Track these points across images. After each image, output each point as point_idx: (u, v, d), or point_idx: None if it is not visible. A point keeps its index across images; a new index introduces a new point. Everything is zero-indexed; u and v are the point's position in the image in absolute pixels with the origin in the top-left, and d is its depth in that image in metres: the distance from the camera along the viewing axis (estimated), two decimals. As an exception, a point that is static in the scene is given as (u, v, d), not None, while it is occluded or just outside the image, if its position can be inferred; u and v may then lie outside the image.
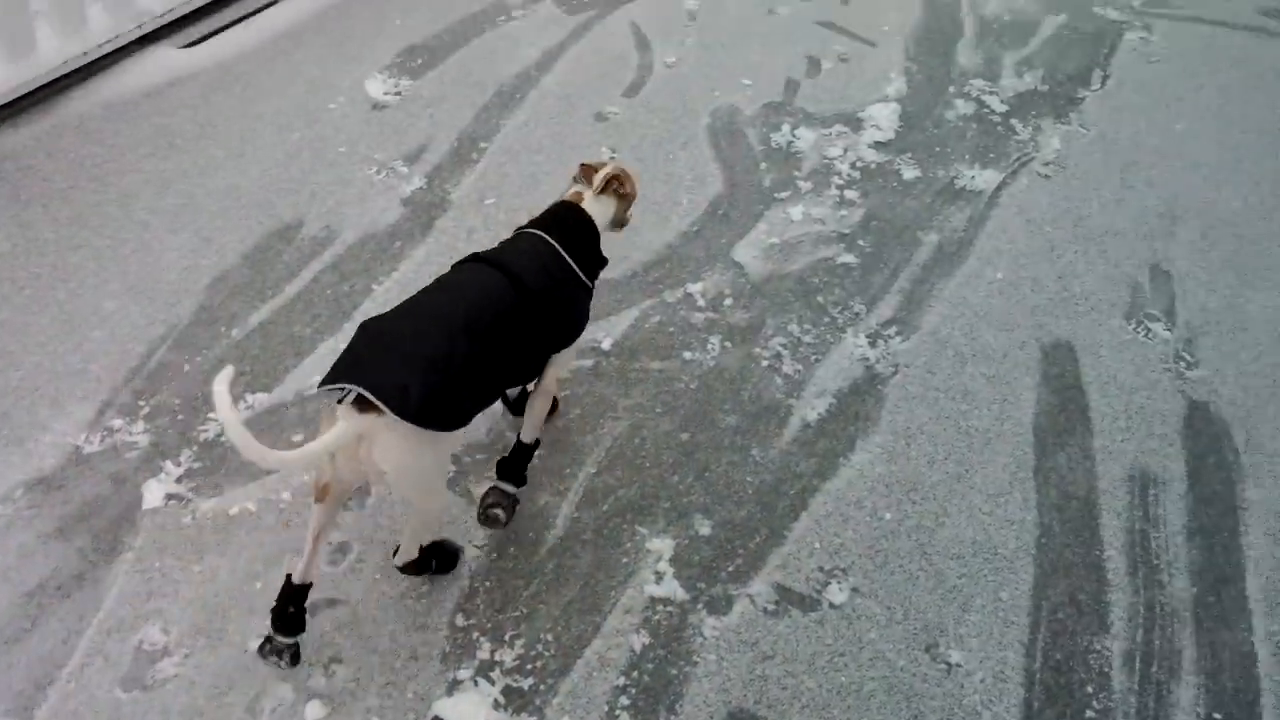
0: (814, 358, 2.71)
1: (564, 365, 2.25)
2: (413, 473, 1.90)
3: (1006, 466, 2.51)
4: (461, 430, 1.90)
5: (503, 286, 2.01)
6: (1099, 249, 3.08)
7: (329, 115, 3.24)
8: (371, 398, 1.78)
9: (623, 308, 2.78)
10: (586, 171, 2.29)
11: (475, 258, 2.10)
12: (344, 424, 1.80)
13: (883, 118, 3.45)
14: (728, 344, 2.72)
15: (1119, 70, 3.78)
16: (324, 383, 1.85)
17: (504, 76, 3.47)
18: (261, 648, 2.02)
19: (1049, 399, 2.67)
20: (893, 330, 2.80)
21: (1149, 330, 2.87)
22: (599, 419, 2.51)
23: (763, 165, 3.25)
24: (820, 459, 2.49)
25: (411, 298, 2.01)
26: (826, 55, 3.70)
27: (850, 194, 3.18)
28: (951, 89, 3.61)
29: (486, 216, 2.98)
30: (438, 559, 2.17)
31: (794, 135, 3.36)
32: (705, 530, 2.31)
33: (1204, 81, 3.76)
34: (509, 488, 2.27)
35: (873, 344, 2.76)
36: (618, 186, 2.28)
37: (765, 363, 2.69)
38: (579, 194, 2.26)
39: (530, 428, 2.27)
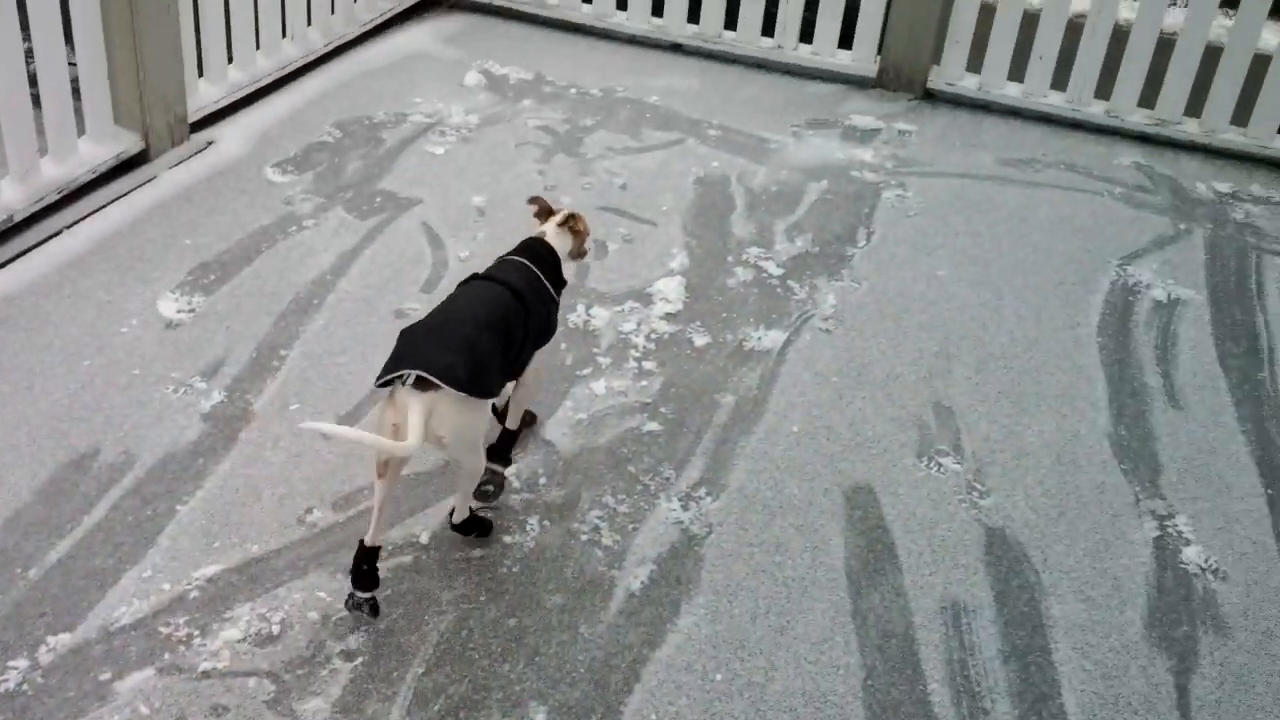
0: (631, 527, 2.77)
1: (539, 362, 2.83)
2: (464, 434, 2.46)
3: (825, 612, 2.59)
4: (490, 402, 2.55)
5: (506, 296, 2.62)
6: (884, 393, 3.27)
7: (121, 339, 3.20)
8: (430, 377, 2.33)
9: (439, 498, 2.79)
10: (540, 204, 2.96)
11: (476, 276, 2.72)
12: (416, 403, 2.32)
13: (670, 290, 3.62)
14: (546, 523, 2.76)
15: (881, 227, 4.07)
16: (382, 376, 2.38)
17: (300, 284, 3.50)
18: (346, 603, 2.48)
19: (856, 541, 2.79)
20: (703, 491, 2.89)
21: (940, 465, 3.04)
22: (423, 615, 2.49)
23: (563, 345, 3.35)
24: (648, 628, 2.52)
25: (439, 305, 2.61)
26: (612, 238, 3.87)
27: (648, 365, 3.31)
28: (730, 258, 3.82)
29: (291, 422, 2.97)
30: (478, 528, 2.71)
31: (589, 314, 3.48)
32: (540, 717, 2.30)
33: (958, 229, 4.09)
34: (498, 468, 2.87)
35: (685, 507, 2.84)
36: (573, 224, 2.90)
37: (585, 537, 2.73)
38: (542, 231, 2.86)
39: (514, 416, 2.92)
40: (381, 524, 2.45)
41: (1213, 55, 4.66)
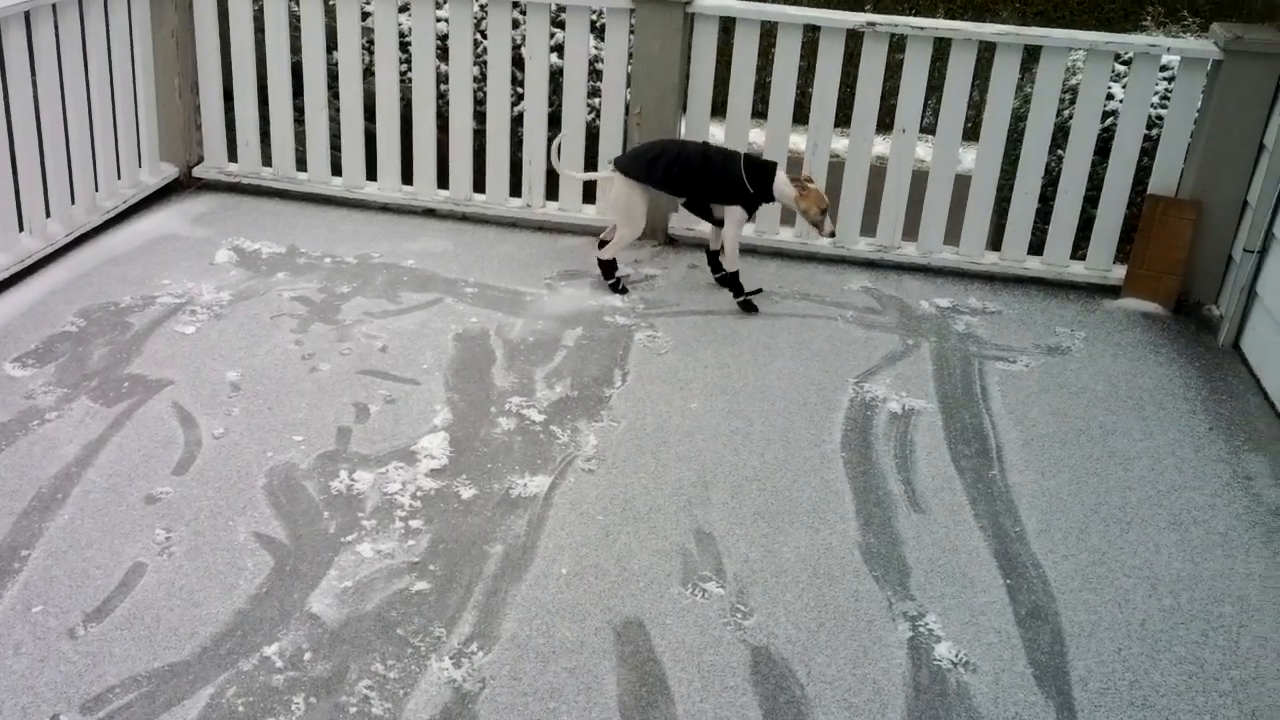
0: (402, 692, 2.74)
1: (732, 221, 4.65)
2: (618, 201, 4.70)
3: (600, 751, 2.62)
4: (648, 195, 4.70)
5: (698, 150, 4.62)
6: (648, 526, 3.37)
7: None
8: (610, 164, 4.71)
9: (196, 687, 2.70)
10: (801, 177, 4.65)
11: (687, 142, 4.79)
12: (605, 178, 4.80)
13: (435, 446, 3.66)
14: (313, 699, 2.70)
15: (635, 366, 4.23)
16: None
17: (42, 479, 3.38)
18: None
19: (629, 677, 2.84)
20: (474, 646, 2.90)
21: (704, 591, 3.14)
22: (183, 812, 2.39)
23: (325, 513, 3.33)
24: (422, 792, 2.49)
25: (662, 141, 4.83)
26: (373, 399, 3.90)
27: (415, 523, 3.31)
28: (493, 409, 3.89)
29: (36, 625, 2.84)
30: (615, 281, 4.82)
31: (352, 479, 3.48)
32: None
33: (707, 362, 4.29)
34: (741, 298, 4.74)
35: (457, 664, 2.84)
36: (803, 181, 4.57)
37: (354, 709, 2.68)
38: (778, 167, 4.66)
39: (729, 260, 4.73)
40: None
41: (922, 179, 5.09)
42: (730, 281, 4.74)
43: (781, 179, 4.58)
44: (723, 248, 4.74)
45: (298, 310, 4.48)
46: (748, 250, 5.28)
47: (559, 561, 3.21)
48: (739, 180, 4.55)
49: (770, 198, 4.61)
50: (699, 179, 4.60)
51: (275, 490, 3.42)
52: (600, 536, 3.32)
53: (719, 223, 4.74)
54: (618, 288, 4.78)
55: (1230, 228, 4.81)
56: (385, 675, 2.79)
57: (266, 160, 5.66)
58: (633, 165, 4.64)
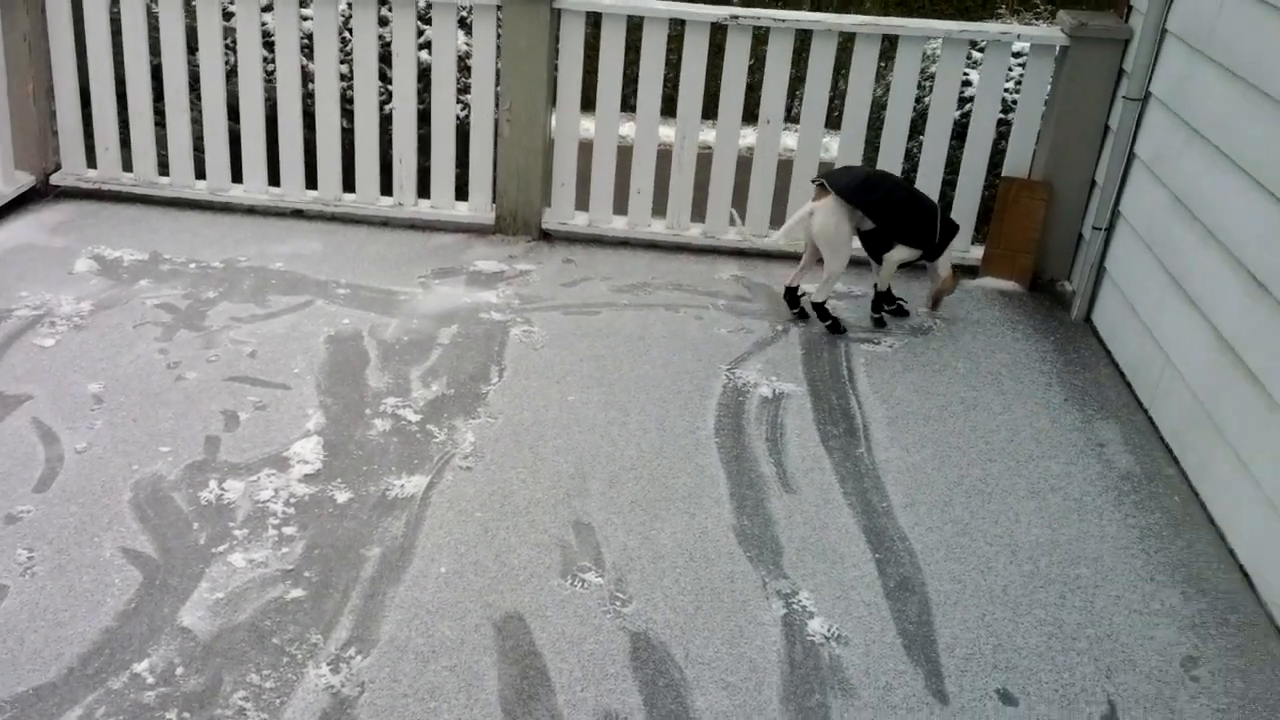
0: (279, 702, 2.72)
1: (903, 254, 4.62)
2: (825, 233, 4.46)
3: (481, 746, 2.63)
4: (853, 222, 4.53)
5: (906, 189, 4.65)
6: (527, 520, 3.39)
7: None
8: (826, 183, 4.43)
9: (63, 710, 2.64)
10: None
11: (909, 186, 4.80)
12: (809, 203, 4.50)
13: (308, 451, 3.62)
14: (186, 715, 2.66)
15: (512, 362, 4.24)
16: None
17: (-105, 503, 3.27)
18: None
19: (510, 671, 2.86)
20: (352, 651, 2.88)
21: (584, 581, 3.17)
22: (52, 835, 2.34)
23: (195, 525, 3.28)
24: (302, 799, 2.47)
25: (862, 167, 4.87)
26: (243, 406, 3.84)
27: (289, 530, 3.28)
28: (368, 411, 3.87)
29: (-109, 656, 2.75)
30: (831, 322, 4.60)
31: (222, 488, 3.43)
32: None
33: (583, 356, 4.31)
34: (888, 307, 4.76)
35: (335, 670, 2.82)
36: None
37: (230, 720, 2.66)
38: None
39: (883, 281, 4.70)
40: (800, 275, 4.66)
41: (788, 168, 5.18)
42: (884, 298, 4.75)
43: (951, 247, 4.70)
44: (881, 275, 4.72)
45: (162, 318, 4.38)
46: (619, 243, 5.32)
47: (438, 560, 3.21)
48: (933, 230, 4.58)
49: (938, 255, 4.66)
50: (906, 215, 4.55)
51: (142, 504, 3.35)
52: (479, 533, 3.33)
53: (879, 259, 4.69)
54: (838, 328, 4.59)
55: (1080, 207, 5.01)
56: (261, 685, 2.76)
57: (127, 165, 5.50)
58: (848, 186, 4.44)
